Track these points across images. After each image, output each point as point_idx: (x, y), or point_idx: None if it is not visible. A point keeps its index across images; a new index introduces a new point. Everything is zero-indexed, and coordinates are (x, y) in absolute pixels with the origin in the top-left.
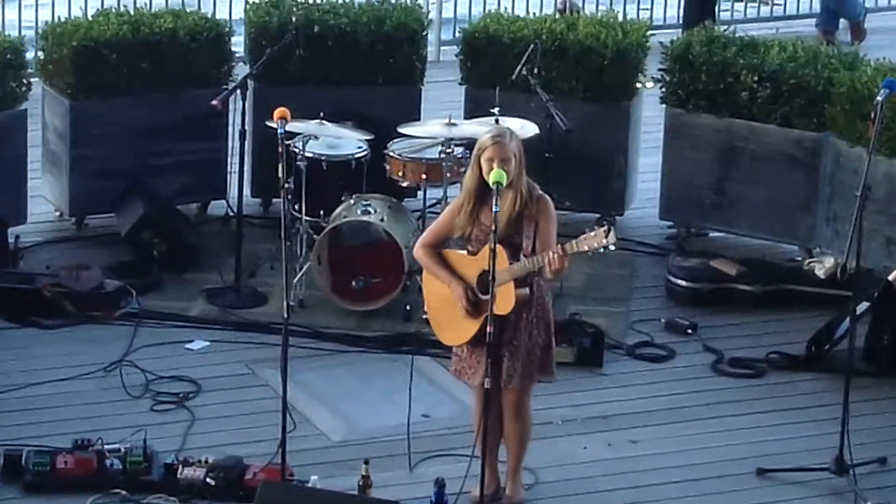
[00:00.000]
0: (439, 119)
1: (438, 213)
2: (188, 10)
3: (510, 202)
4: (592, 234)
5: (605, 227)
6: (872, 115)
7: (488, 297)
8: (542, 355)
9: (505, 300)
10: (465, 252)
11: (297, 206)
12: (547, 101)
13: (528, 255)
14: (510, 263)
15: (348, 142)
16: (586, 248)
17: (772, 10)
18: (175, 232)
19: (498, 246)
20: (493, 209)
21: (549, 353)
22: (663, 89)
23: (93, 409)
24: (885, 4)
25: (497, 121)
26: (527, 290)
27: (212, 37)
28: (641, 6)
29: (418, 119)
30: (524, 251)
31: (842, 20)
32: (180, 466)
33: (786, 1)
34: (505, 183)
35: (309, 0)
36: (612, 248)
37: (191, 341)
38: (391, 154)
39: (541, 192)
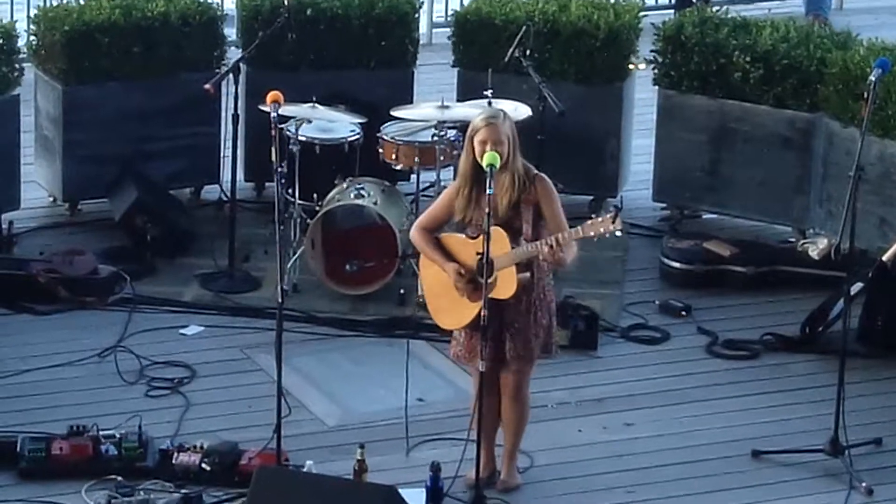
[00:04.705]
0: (432, 102)
1: (432, 197)
2: None
3: (508, 185)
4: (599, 219)
5: (612, 213)
6: (865, 95)
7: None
8: (544, 337)
9: (507, 284)
10: (464, 236)
11: (290, 190)
12: (539, 84)
13: (529, 238)
14: (511, 248)
15: (341, 125)
16: (592, 234)
17: None
18: (168, 217)
19: (500, 230)
20: (488, 191)
21: (550, 334)
22: (656, 71)
23: (87, 396)
24: None
25: (490, 103)
26: (528, 275)
27: (204, 21)
28: None
29: (411, 102)
30: (525, 235)
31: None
32: (175, 452)
33: None
34: (498, 165)
35: None
36: (618, 233)
37: (185, 326)
38: (384, 137)
39: (537, 171)
